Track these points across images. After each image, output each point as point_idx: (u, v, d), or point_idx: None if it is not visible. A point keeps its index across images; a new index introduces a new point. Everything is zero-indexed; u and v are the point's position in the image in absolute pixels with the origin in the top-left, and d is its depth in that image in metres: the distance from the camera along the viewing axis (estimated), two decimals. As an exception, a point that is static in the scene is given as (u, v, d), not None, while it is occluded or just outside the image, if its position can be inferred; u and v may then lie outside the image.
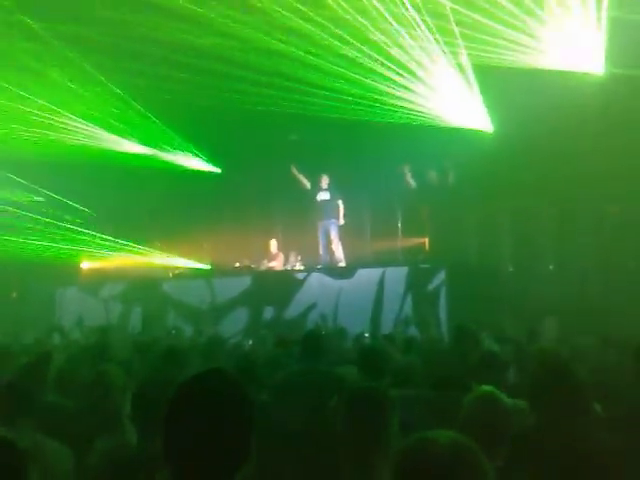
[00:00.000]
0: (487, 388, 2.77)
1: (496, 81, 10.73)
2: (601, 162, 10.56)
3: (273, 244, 12.70)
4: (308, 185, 12.00)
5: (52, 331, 9.70)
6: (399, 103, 11.44)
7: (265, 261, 12.60)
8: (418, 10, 9.71)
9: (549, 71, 10.20)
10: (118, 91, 12.06)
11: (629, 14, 8.80)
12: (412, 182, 11.50)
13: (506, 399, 2.74)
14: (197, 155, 13.84)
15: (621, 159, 10.36)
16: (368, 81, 11.13)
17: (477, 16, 9.71)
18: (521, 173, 11.71)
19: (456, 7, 9.68)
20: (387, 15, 9.89)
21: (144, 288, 12.36)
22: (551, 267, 11.33)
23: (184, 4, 9.93)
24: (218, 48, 10.71)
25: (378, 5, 9.62)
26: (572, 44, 9.85)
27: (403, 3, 9.62)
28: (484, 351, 4.52)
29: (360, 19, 10.12)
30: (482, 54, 10.40)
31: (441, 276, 10.38)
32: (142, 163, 13.42)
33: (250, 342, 8.48)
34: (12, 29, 10.49)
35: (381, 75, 10.99)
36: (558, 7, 9.33)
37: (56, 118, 12.43)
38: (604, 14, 9.05)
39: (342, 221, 11.74)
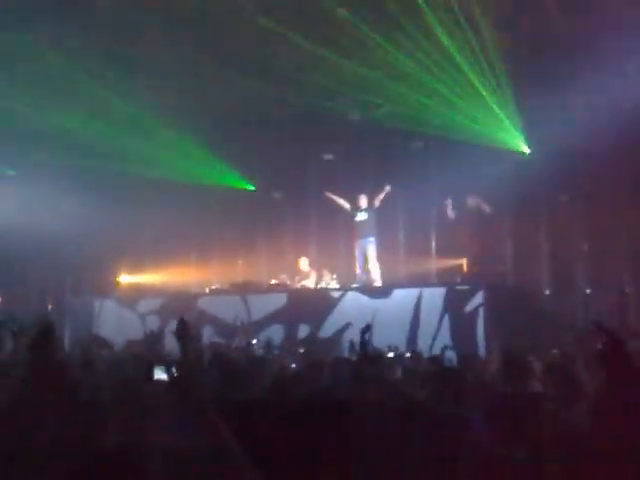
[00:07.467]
0: None
1: (533, 99, 10.73)
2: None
3: (304, 262, 12.72)
4: (347, 206, 12.07)
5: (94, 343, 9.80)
6: (436, 122, 11.48)
7: (297, 279, 12.66)
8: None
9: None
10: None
11: None
12: (453, 214, 11.44)
13: None
14: (231, 173, 13.95)
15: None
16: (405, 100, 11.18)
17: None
18: (558, 193, 11.71)
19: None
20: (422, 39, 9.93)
21: (180, 303, 12.46)
22: (588, 291, 11.22)
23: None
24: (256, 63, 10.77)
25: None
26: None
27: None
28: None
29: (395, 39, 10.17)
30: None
31: (479, 297, 10.35)
32: (177, 178, 13.57)
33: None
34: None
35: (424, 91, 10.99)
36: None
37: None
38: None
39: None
